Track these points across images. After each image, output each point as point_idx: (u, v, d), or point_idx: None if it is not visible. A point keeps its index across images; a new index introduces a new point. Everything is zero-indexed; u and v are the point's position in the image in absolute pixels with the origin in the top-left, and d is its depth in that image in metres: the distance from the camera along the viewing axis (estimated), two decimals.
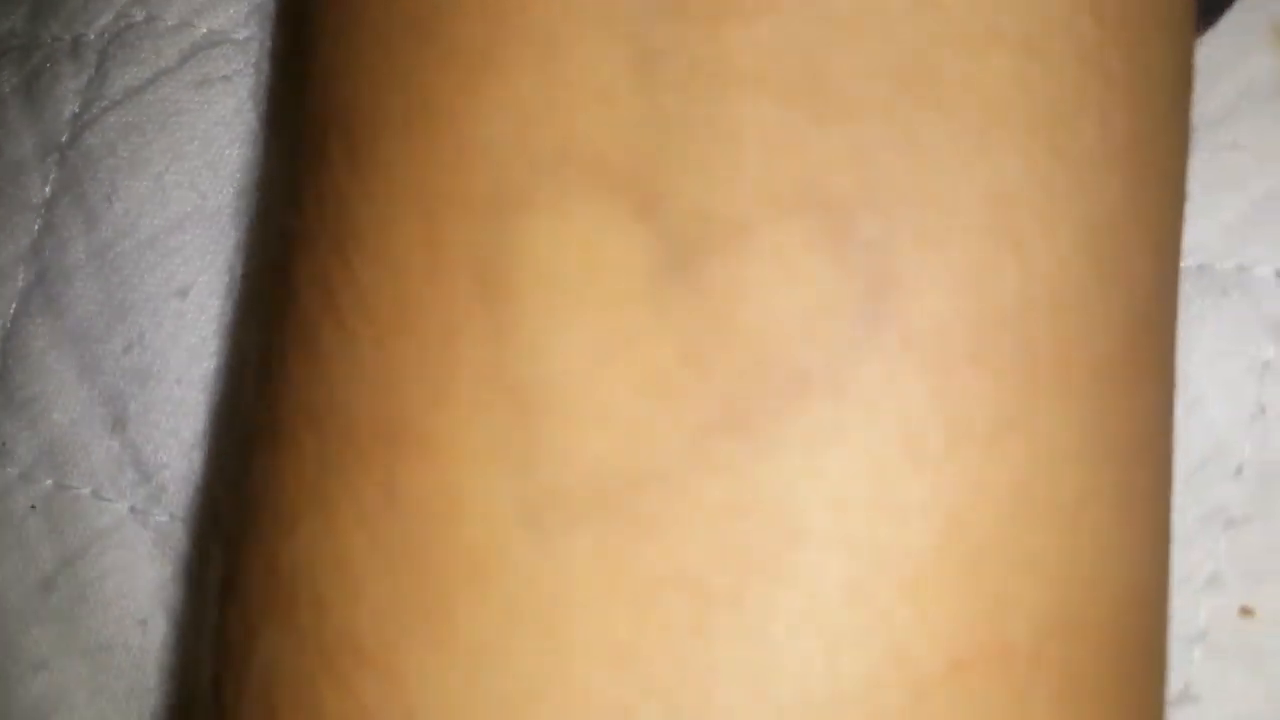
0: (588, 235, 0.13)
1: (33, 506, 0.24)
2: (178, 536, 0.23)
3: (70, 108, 0.25)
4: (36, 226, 0.25)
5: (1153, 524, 0.15)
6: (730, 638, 0.13)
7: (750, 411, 0.13)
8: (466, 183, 0.14)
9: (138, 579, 0.24)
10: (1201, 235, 0.20)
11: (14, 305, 0.25)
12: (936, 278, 0.13)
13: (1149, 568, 0.15)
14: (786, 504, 0.13)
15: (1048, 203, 0.13)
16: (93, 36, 0.25)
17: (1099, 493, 0.14)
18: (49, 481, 0.24)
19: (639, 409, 0.13)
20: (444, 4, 0.15)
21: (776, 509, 0.13)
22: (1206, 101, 0.21)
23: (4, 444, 0.24)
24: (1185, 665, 0.19)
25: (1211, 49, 0.21)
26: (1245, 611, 0.19)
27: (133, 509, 0.24)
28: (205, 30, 0.25)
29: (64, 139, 0.25)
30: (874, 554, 0.13)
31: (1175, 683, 0.19)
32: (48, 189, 0.25)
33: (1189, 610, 0.19)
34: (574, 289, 0.13)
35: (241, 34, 0.25)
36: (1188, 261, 0.20)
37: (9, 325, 0.25)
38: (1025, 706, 0.13)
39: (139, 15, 0.25)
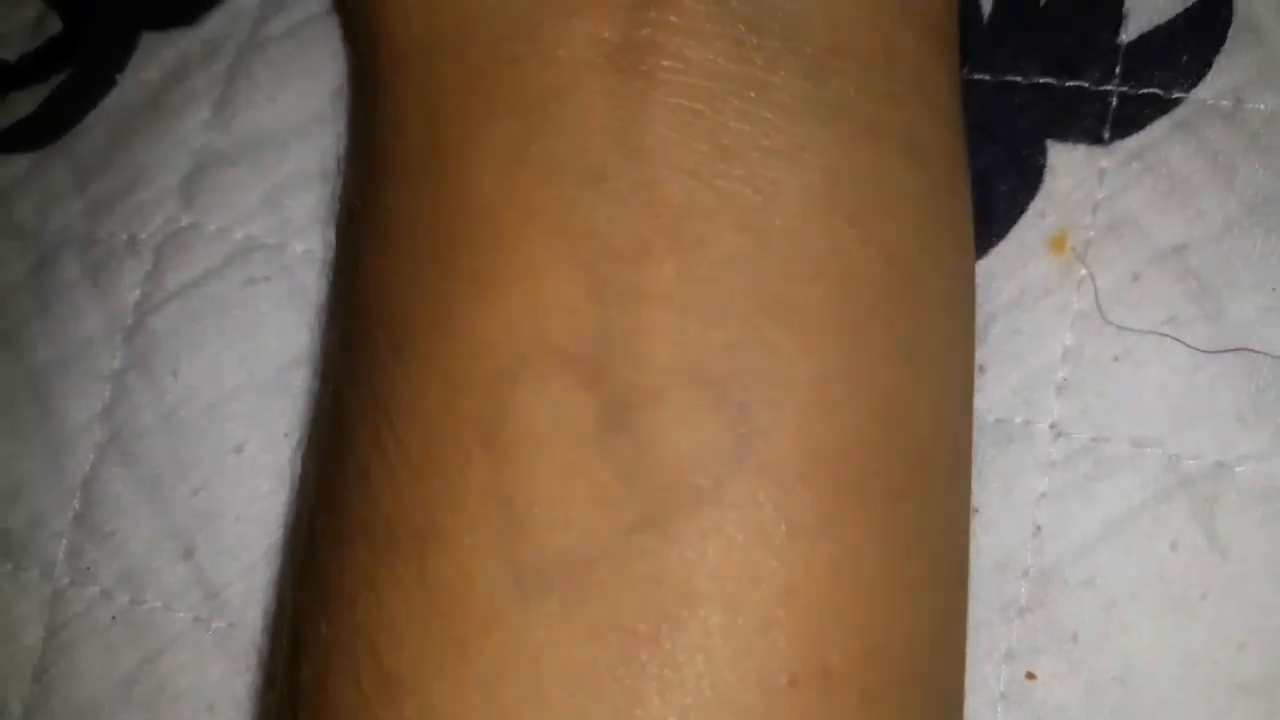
0: (555, 401, 0.19)
1: (113, 618, 0.29)
2: (235, 638, 0.29)
3: (133, 296, 0.30)
4: (108, 393, 0.30)
5: (941, 600, 0.22)
6: (651, 663, 0.18)
7: (662, 516, 0.19)
8: (474, 368, 0.20)
9: (204, 674, 0.28)
10: (996, 396, 0.27)
11: (93, 456, 0.30)
12: (779, 429, 0.19)
13: (936, 623, 0.21)
14: (686, 577, 0.19)
15: (849, 384, 0.20)
16: (145, 236, 0.31)
17: (892, 572, 0.20)
18: (126, 598, 0.29)
19: (590, 515, 0.19)
20: (459, 241, 0.20)
21: (679, 580, 0.19)
22: (999, 295, 0.27)
23: (89, 568, 0.30)
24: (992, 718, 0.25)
25: (1001, 256, 0.27)
26: (1030, 676, 0.25)
27: (197, 618, 0.29)
28: (242, 236, 0.30)
29: (129, 321, 0.30)
30: (741, 608, 0.19)
31: None
32: (116, 362, 0.30)
33: (993, 677, 0.25)
34: (546, 438, 0.19)
35: (273, 240, 0.30)
36: (988, 418, 0.27)
37: (89, 472, 0.30)
38: (839, 711, 0.19)
39: (185, 220, 0.31)
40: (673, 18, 0.20)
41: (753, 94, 0.20)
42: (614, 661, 0.19)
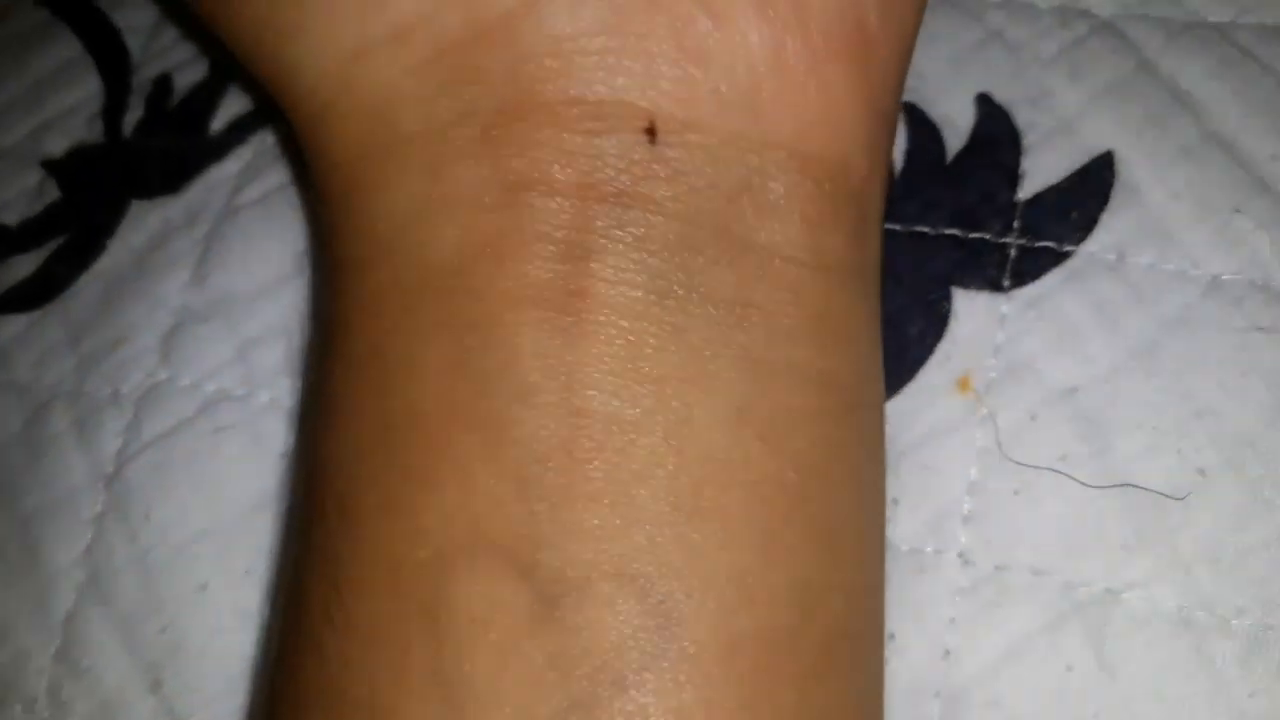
0: (490, 589, 0.21)
1: None
2: None
3: (114, 445, 0.32)
4: (89, 536, 0.32)
5: None
6: None
7: (590, 699, 0.20)
8: (415, 551, 0.21)
9: None
10: (909, 527, 0.29)
11: (74, 595, 0.32)
12: (698, 619, 0.21)
13: None
14: None
15: (765, 577, 0.22)
16: (127, 390, 0.33)
17: None
18: None
19: (524, 697, 0.20)
20: (400, 436, 0.22)
21: None
22: (909, 432, 0.29)
23: (66, 702, 0.32)
24: None
25: (911, 395, 0.30)
26: None
27: None
28: (213, 389, 0.33)
29: (110, 470, 0.32)
30: None
31: None
32: (98, 507, 0.32)
33: None
34: (482, 623, 0.20)
35: (240, 391, 0.32)
36: (901, 547, 0.29)
37: (70, 610, 0.32)
38: None
39: (162, 375, 0.33)
40: (600, 270, 0.22)
41: (669, 335, 0.22)
42: None
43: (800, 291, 0.23)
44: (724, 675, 0.21)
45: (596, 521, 0.21)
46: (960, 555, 0.28)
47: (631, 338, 0.22)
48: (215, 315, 0.33)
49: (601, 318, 0.22)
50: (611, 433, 0.21)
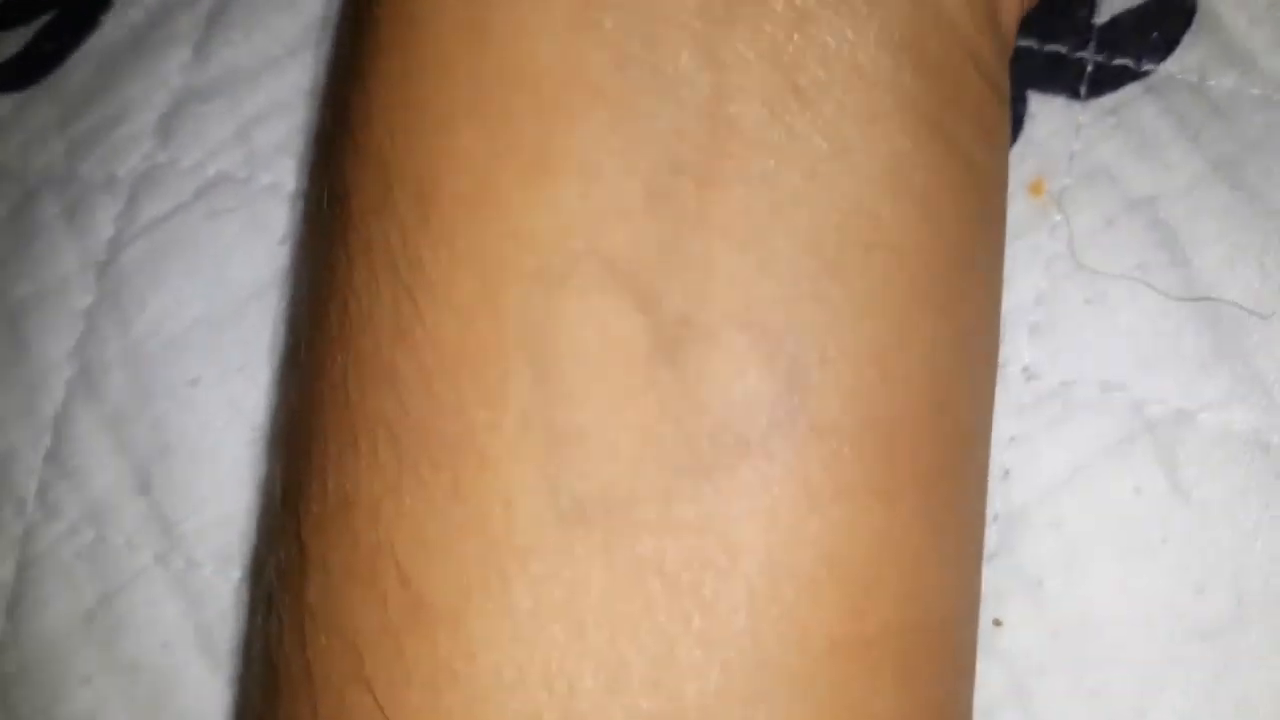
0: (605, 317, 0.18)
1: (78, 555, 0.29)
2: (192, 576, 0.28)
3: (107, 232, 0.30)
4: (80, 328, 0.30)
5: (971, 578, 0.21)
6: (694, 614, 0.18)
7: (710, 463, 0.18)
8: (518, 259, 0.18)
9: (161, 611, 0.28)
10: None
11: (63, 392, 0.30)
12: (832, 390, 0.18)
13: (966, 600, 0.21)
14: (731, 529, 0.18)
15: (904, 361, 0.19)
16: (123, 174, 0.31)
17: (934, 548, 0.20)
18: (91, 534, 0.29)
19: (636, 451, 0.18)
20: (506, 106, 0.18)
21: (724, 531, 0.18)
22: None
23: (55, 504, 0.30)
24: None
25: None
26: (996, 623, 0.25)
27: (156, 556, 0.29)
28: (214, 171, 0.30)
29: (103, 258, 0.30)
30: (784, 567, 0.18)
31: None
32: (90, 298, 0.30)
33: None
34: (593, 357, 0.18)
35: (243, 174, 0.30)
36: None
37: (60, 409, 0.30)
38: (876, 680, 0.18)
39: (162, 158, 0.31)
40: None
41: (837, 42, 0.19)
42: (655, 608, 0.18)
43: (964, 66, 0.20)
44: (854, 458, 0.18)
45: (731, 259, 0.18)
46: (1025, 369, 0.26)
47: (797, 29, 0.19)
48: (218, 93, 0.31)
49: (771, 8, 0.19)
50: (756, 151, 0.18)
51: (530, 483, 0.18)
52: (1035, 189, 0.27)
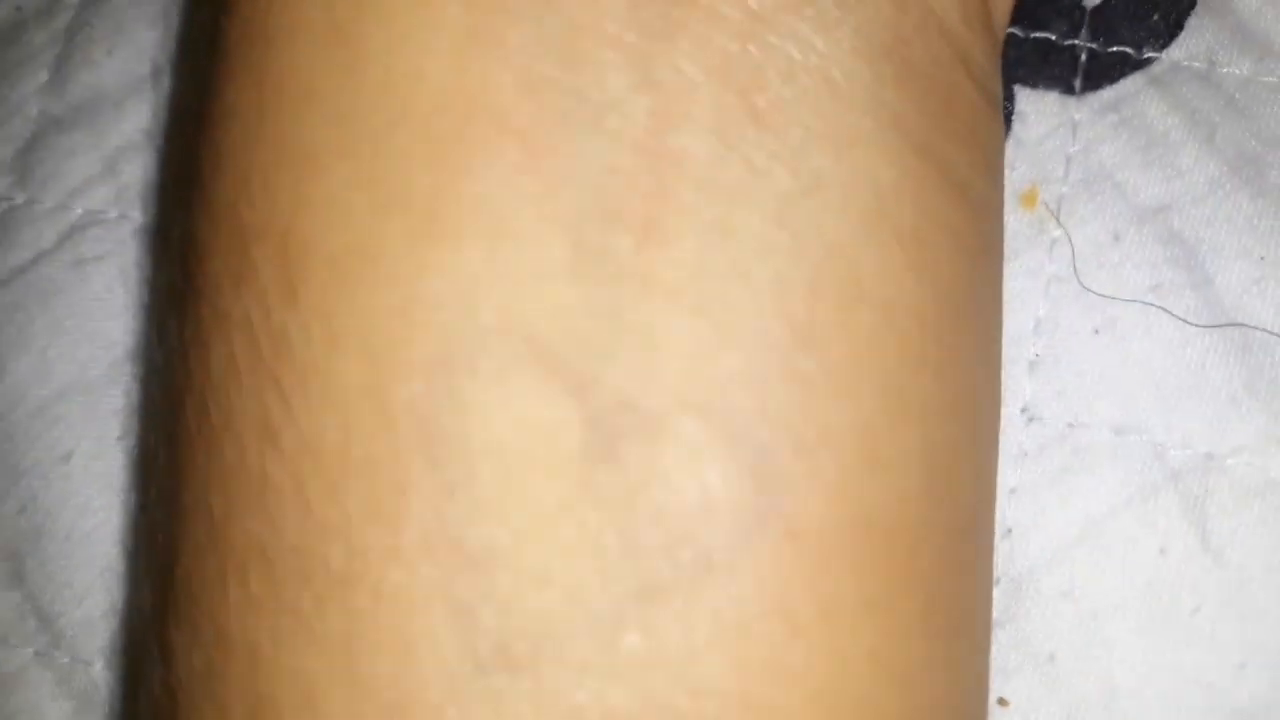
0: (525, 408, 0.15)
1: None
2: (78, 676, 0.25)
3: None
4: None
5: (978, 673, 0.18)
6: None
7: (665, 583, 0.15)
8: (411, 339, 0.15)
9: (45, 713, 0.25)
10: None
11: None
12: (812, 484, 0.15)
13: (973, 701, 0.18)
14: (693, 665, 0.15)
15: (900, 431, 0.16)
16: None
17: (936, 652, 0.16)
18: None
19: (573, 572, 0.15)
20: (388, 141, 0.15)
21: (683, 668, 0.15)
22: None
23: None
24: None
25: None
26: (1002, 702, 0.22)
27: (36, 653, 0.26)
28: (81, 211, 0.27)
29: None
30: (760, 709, 0.15)
31: None
32: None
33: None
34: (512, 458, 0.15)
35: (113, 213, 0.27)
36: None
37: None
38: None
39: (20, 198, 0.27)
40: None
41: (803, 53, 0.16)
42: None
43: (955, 88, 0.17)
44: (841, 566, 0.15)
45: (682, 327, 0.15)
46: (1024, 410, 0.24)
47: (749, 38, 0.15)
48: (80, 122, 0.27)
49: (720, 13, 0.15)
50: (710, 194, 0.15)
51: (438, 621, 0.15)
52: (1028, 199, 0.24)
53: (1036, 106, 0.25)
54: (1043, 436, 0.23)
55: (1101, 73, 0.25)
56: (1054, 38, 0.25)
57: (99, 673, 0.25)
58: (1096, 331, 0.23)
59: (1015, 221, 0.24)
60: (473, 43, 0.15)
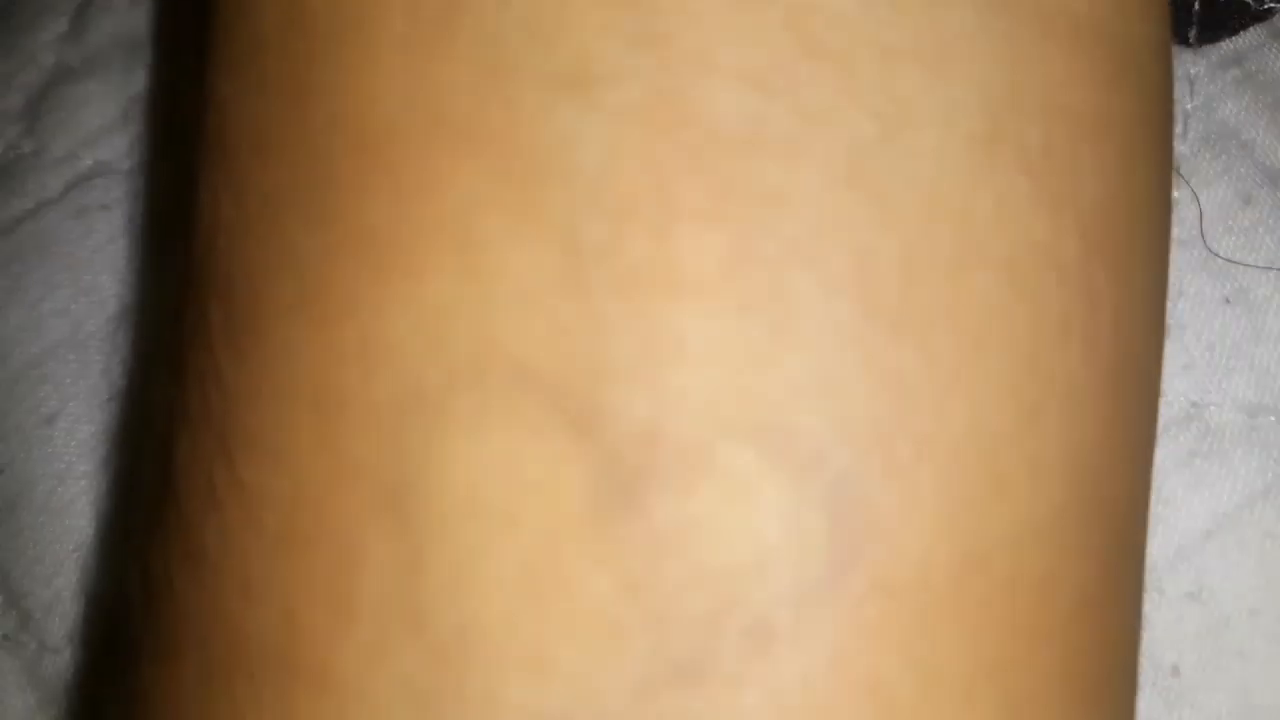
0: (514, 455, 0.12)
1: None
2: (44, 664, 0.23)
3: None
4: None
5: (1123, 713, 0.15)
6: None
7: (705, 664, 0.12)
8: (371, 385, 0.13)
9: (7, 707, 0.23)
10: None
11: None
12: (911, 518, 0.12)
13: None
14: None
15: (1031, 435, 0.13)
16: None
17: (1075, 714, 0.13)
18: None
19: (575, 658, 0.12)
20: (341, 177, 0.13)
21: None
22: None
23: None
24: None
25: None
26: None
27: (5, 637, 0.24)
28: (91, 162, 0.26)
29: None
30: None
31: None
32: None
33: None
34: (500, 516, 0.12)
35: (126, 164, 0.25)
36: None
37: None
38: None
39: (28, 147, 0.26)
40: None
41: None
42: None
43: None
44: (952, 623, 0.12)
45: (720, 332, 0.12)
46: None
47: None
48: (95, 72, 0.26)
49: None
50: (745, 161, 0.12)
51: (393, 718, 0.12)
52: None
53: None
54: (1166, 416, 0.21)
55: (1217, 23, 0.23)
56: None
57: (67, 662, 0.23)
58: (1227, 301, 0.22)
59: None
60: (422, 52, 0.13)
